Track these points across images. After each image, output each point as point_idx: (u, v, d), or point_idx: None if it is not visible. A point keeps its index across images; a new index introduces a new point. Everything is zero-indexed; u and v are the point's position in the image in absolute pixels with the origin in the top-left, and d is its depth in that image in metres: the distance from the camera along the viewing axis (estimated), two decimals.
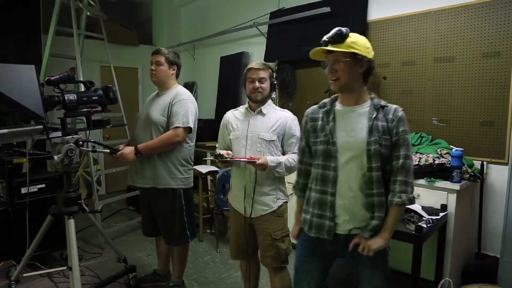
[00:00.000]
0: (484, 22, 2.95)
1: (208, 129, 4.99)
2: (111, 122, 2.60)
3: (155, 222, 2.78)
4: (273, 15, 4.44)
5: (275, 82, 2.36)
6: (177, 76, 2.79)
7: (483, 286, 2.00)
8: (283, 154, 2.30)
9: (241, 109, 2.44)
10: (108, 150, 2.50)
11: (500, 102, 2.90)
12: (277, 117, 2.29)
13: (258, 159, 2.12)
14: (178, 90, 2.68)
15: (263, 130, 2.26)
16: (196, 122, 2.72)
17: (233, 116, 2.43)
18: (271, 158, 2.17)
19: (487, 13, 2.93)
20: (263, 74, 2.26)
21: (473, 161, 2.96)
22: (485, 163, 2.95)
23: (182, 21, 6.13)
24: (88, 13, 4.19)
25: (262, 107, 2.31)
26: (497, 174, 2.95)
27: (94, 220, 2.77)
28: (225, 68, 5.21)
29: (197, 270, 3.36)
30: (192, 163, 2.77)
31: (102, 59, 4.61)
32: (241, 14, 4.85)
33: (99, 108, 2.50)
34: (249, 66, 2.32)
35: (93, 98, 2.43)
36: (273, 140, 2.25)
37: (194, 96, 5.57)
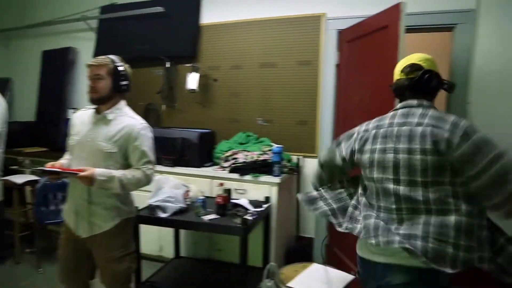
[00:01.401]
0: (298, 35, 3.35)
1: (27, 133, 4.38)
2: None
3: None
4: (104, 9, 4.17)
5: (120, 79, 2.00)
6: None
7: (296, 265, 2.25)
8: (128, 168, 2.01)
9: (90, 110, 2.07)
10: None
11: (311, 104, 3.34)
12: (122, 124, 1.97)
13: (83, 171, 1.83)
14: None
15: (103, 139, 1.95)
16: (6, 125, 2.35)
17: (80, 118, 2.08)
18: (102, 171, 1.87)
19: (300, 27, 3.34)
20: (98, 70, 1.94)
21: (291, 156, 3.34)
22: (300, 157, 3.37)
23: None
24: None
25: (107, 111, 1.98)
26: (310, 166, 3.39)
27: None
28: (48, 64, 4.65)
29: None
30: (1, 173, 2.38)
31: None
32: (68, 5, 4.40)
33: None
34: (87, 63, 2.01)
35: None
36: (113, 152, 1.94)
37: (8, 94, 4.89)
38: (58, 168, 1.89)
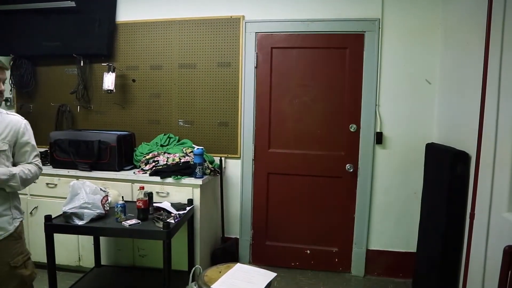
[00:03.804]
0: (218, 36, 3.38)
1: None
2: None
3: None
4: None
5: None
6: None
7: (220, 266, 2.27)
8: (15, 165, 1.99)
9: None
10: None
11: (232, 105, 3.39)
12: (5, 122, 1.96)
13: None
14: None
15: None
16: None
17: None
18: (2, 170, 1.85)
19: (220, 28, 3.36)
20: (3, 74, 1.92)
21: (214, 157, 3.37)
22: (223, 158, 3.40)
23: None
24: None
25: None
26: (233, 167, 3.46)
27: None
28: None
29: None
30: None
31: None
32: None
33: None
34: None
35: None
36: (4, 150, 1.92)
37: None
38: None
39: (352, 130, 3.24)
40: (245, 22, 3.32)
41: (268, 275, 2.17)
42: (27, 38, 3.66)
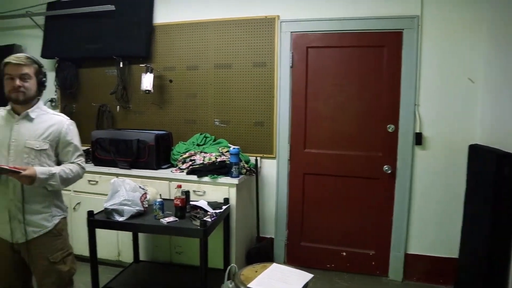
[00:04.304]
0: (253, 36, 3.38)
1: None
2: None
3: None
4: (51, 6, 3.98)
5: (44, 79, 2.03)
6: None
7: (256, 265, 2.28)
8: (59, 164, 2.04)
9: (1, 112, 2.03)
10: None
11: (268, 105, 3.39)
12: (50, 122, 2.01)
13: (24, 169, 1.81)
14: None
15: (31, 137, 1.95)
16: None
17: None
18: (42, 169, 1.89)
19: (255, 28, 3.37)
20: (26, 70, 1.92)
21: (249, 157, 3.38)
22: (258, 158, 3.41)
23: None
24: None
25: (29, 110, 1.97)
26: (268, 167, 3.45)
27: None
28: None
29: None
30: None
31: None
32: (11, 0, 4.17)
33: None
34: (6, 60, 1.92)
35: None
36: (45, 149, 1.97)
37: None
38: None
39: (390, 130, 3.16)
40: (280, 22, 3.31)
41: (305, 276, 2.15)
42: (71, 41, 3.83)
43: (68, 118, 2.12)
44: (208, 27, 3.50)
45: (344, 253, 3.37)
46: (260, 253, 3.31)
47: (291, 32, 3.30)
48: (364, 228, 3.31)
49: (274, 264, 2.29)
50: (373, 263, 3.32)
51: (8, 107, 2.01)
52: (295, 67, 3.32)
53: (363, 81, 3.20)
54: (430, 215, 3.15)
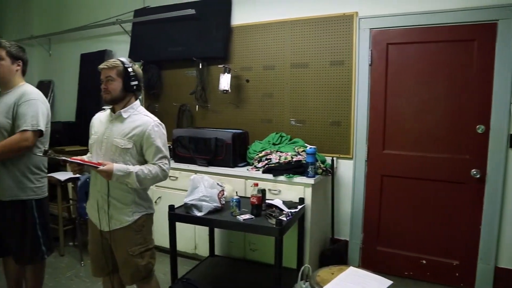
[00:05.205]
0: (330, 34, 3.32)
1: (68, 133, 4.57)
2: None
3: (1, 240, 2.43)
4: (137, 13, 4.27)
5: (129, 80, 2.07)
6: (23, 73, 2.44)
7: (332, 267, 2.24)
8: (144, 164, 2.11)
9: (107, 111, 2.20)
10: None
11: (345, 104, 3.31)
12: (137, 122, 2.08)
13: (104, 164, 1.94)
14: (26, 89, 2.36)
15: (118, 136, 2.06)
16: (49, 125, 2.45)
17: (98, 119, 2.23)
18: (120, 167, 1.98)
19: (332, 26, 3.31)
20: (109, 72, 2.04)
21: (325, 157, 3.32)
22: (335, 158, 3.34)
23: (34, 11, 5.44)
24: None
25: (122, 110, 2.10)
26: (344, 167, 3.37)
27: None
28: (86, 66, 4.83)
29: None
30: (46, 170, 2.49)
31: None
32: (103, 10, 4.55)
33: None
34: (99, 67, 2.08)
35: None
36: (128, 148, 2.05)
37: (50, 96, 5.11)
38: (79, 160, 2.01)
39: (479, 131, 2.91)
40: (359, 19, 3.21)
41: (384, 282, 2.06)
42: (154, 45, 4.07)
43: (156, 119, 2.15)
44: (284, 27, 3.51)
45: (424, 261, 3.18)
46: (334, 255, 3.24)
47: (370, 28, 3.19)
48: (448, 235, 3.09)
49: (351, 268, 2.23)
50: (457, 274, 3.08)
51: (110, 106, 2.17)
52: (374, 65, 3.21)
53: (450, 78, 2.99)
54: None
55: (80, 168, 2.05)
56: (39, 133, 2.32)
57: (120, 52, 4.46)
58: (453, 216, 3.06)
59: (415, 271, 3.22)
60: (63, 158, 2.05)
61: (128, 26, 4.33)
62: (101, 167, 1.94)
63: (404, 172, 3.18)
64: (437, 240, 3.13)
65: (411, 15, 3.04)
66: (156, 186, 3.48)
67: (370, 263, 3.33)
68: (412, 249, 3.22)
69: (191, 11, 3.74)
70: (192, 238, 3.42)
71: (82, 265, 3.45)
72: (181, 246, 3.19)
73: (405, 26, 3.08)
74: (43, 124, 2.32)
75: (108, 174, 1.95)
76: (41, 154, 2.12)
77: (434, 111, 3.06)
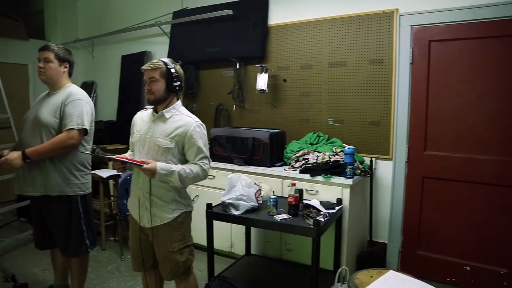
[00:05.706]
0: (369, 32, 3.26)
1: (110, 132, 4.73)
2: None
3: (49, 233, 2.55)
4: (176, 14, 4.37)
5: (172, 81, 2.10)
6: (69, 74, 2.57)
7: (371, 270, 2.18)
8: (185, 163, 2.14)
9: (149, 110, 2.26)
10: None
11: (384, 104, 3.23)
12: (179, 123, 2.11)
13: (148, 163, 1.99)
14: (72, 90, 2.48)
15: (160, 135, 2.11)
16: (93, 124, 2.55)
17: (140, 118, 2.28)
18: (163, 165, 2.03)
19: (371, 24, 3.24)
20: (152, 74, 2.08)
21: (364, 157, 3.26)
22: (373, 159, 3.27)
23: (78, 16, 5.70)
24: None
25: (164, 110, 2.14)
26: (383, 168, 3.29)
27: None
28: (127, 67, 5.00)
29: (100, 281, 3.17)
30: (90, 167, 2.60)
31: None
32: (143, 12, 4.69)
33: None
34: (142, 68, 2.13)
35: None
36: (170, 148, 2.09)
37: (93, 96, 5.32)
38: (124, 158, 2.07)
39: None
40: (399, 16, 3.12)
41: None
42: (192, 45, 4.14)
43: (198, 120, 2.17)
44: (321, 26, 3.47)
45: (468, 268, 3.05)
46: (372, 258, 3.17)
47: (411, 25, 3.09)
48: (495, 241, 2.94)
49: (391, 271, 2.17)
50: (505, 283, 2.93)
51: (152, 106, 2.21)
52: (415, 63, 3.11)
53: (498, 76, 2.84)
54: None
55: (124, 166, 2.12)
56: (84, 132, 2.42)
57: (159, 53, 4.57)
58: (502, 221, 2.90)
59: (457, 278, 3.09)
60: (109, 156, 2.14)
61: (167, 28, 4.43)
62: (145, 166, 1.99)
63: (447, 174, 3.06)
64: (483, 246, 2.99)
65: (455, 11, 2.92)
66: (195, 184, 3.52)
67: (409, 267, 3.23)
68: (455, 255, 3.10)
69: (229, 12, 3.78)
70: (229, 237, 3.45)
71: (123, 259, 3.56)
72: (217, 244, 3.19)
73: (449, 22, 2.97)
74: (87, 123, 2.42)
75: (152, 173, 2.00)
76: (88, 152, 2.21)
77: (479, 110, 2.92)
